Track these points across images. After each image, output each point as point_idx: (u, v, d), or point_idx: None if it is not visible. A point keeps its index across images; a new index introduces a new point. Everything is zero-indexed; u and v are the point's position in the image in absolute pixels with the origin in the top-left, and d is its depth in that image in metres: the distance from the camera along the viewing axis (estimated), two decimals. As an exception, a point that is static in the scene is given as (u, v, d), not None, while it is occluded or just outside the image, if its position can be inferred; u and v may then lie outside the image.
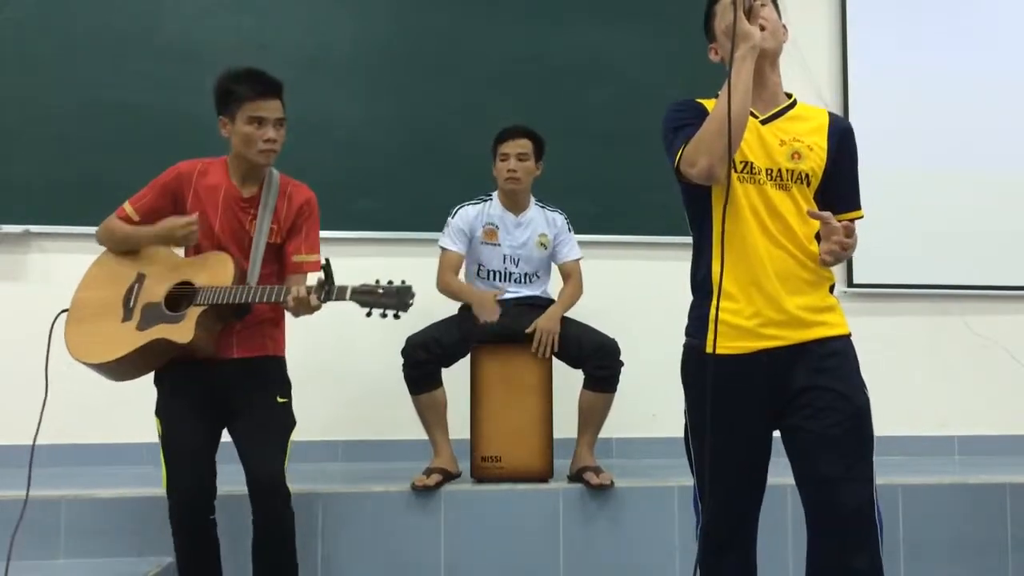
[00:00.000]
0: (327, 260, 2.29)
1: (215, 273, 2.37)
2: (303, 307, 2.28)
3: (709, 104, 1.87)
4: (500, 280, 3.24)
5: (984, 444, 4.10)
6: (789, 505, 2.74)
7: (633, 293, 3.92)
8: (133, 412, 3.55)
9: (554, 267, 3.36)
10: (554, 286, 3.34)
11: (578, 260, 3.31)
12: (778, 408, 1.82)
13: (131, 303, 2.40)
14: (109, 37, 3.78)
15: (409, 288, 2.26)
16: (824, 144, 1.88)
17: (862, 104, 4.21)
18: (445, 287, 3.19)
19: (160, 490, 2.82)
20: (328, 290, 2.25)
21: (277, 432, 2.40)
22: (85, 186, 3.71)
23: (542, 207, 3.31)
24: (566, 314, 3.18)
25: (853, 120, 4.15)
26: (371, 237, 3.85)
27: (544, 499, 2.95)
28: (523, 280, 3.25)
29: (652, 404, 3.79)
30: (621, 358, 3.06)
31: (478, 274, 3.26)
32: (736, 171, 1.80)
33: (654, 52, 4.05)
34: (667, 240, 3.94)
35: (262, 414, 2.40)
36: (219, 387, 2.40)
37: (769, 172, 1.83)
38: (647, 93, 4.03)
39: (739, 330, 1.81)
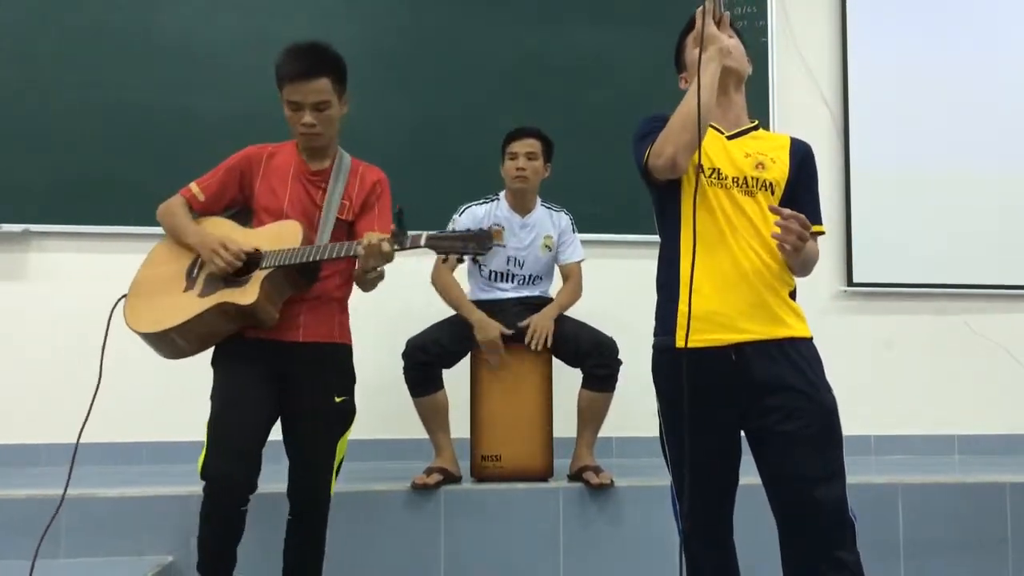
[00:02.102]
0: (399, 207, 2.20)
1: (282, 238, 2.29)
2: (376, 255, 2.16)
3: None
4: (502, 280, 3.23)
5: (984, 444, 4.10)
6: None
7: (632, 292, 3.90)
8: (134, 412, 3.56)
9: (556, 268, 3.36)
10: (555, 288, 3.33)
11: (579, 262, 3.30)
12: (745, 407, 1.86)
13: (194, 273, 2.32)
14: (109, 37, 3.78)
15: (489, 231, 2.21)
16: (786, 160, 1.97)
17: (862, 104, 4.22)
18: (442, 287, 3.13)
19: (159, 490, 2.85)
20: (402, 237, 2.16)
21: (326, 433, 2.34)
22: (85, 186, 3.72)
23: (548, 208, 3.30)
24: (565, 313, 3.18)
25: (853, 120, 4.26)
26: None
27: (544, 499, 2.95)
28: (525, 281, 3.25)
29: (652, 403, 3.78)
30: (620, 357, 3.06)
31: (480, 273, 3.25)
32: (705, 175, 1.89)
33: (654, 53, 4.01)
34: (667, 240, 3.95)
35: (314, 412, 2.33)
36: (281, 373, 2.31)
37: (736, 180, 1.91)
38: (647, 94, 4.00)
39: (709, 323, 1.86)
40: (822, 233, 2.01)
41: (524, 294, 3.23)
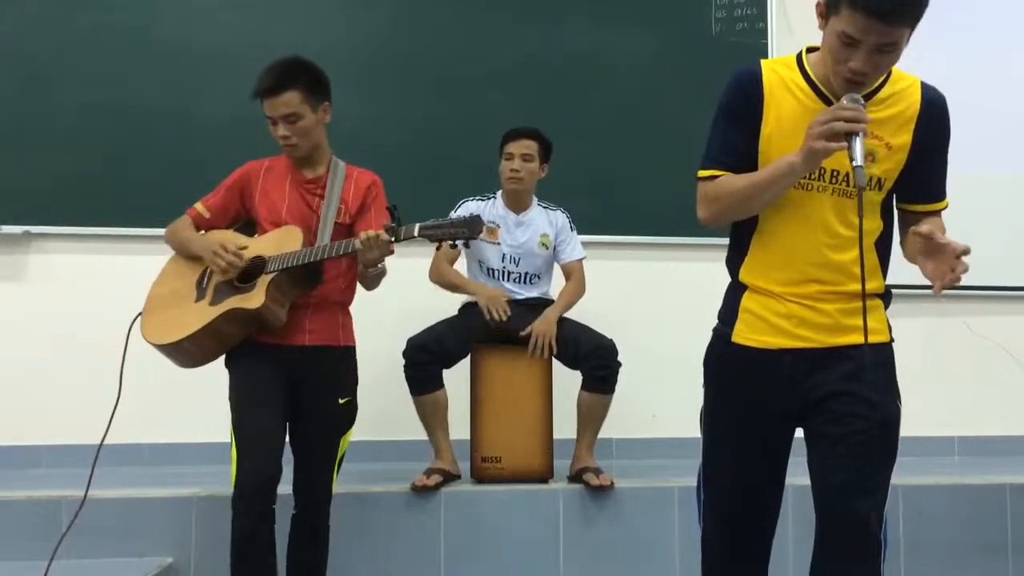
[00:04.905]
0: (393, 204, 2.35)
1: (284, 243, 2.37)
2: (374, 246, 2.25)
3: (779, 66, 1.74)
4: (500, 279, 3.24)
5: (984, 444, 4.09)
6: (789, 505, 2.72)
7: (632, 294, 3.93)
8: (135, 413, 3.55)
9: (556, 268, 3.36)
10: (555, 288, 3.33)
11: (580, 260, 3.31)
12: (799, 411, 1.75)
13: (204, 284, 2.41)
14: (109, 37, 3.78)
15: (479, 217, 2.30)
16: (908, 139, 1.72)
17: (862, 104, 4.20)
18: (439, 277, 3.18)
19: (160, 492, 2.85)
20: (397, 229, 2.28)
21: (332, 438, 2.44)
22: (85, 186, 3.71)
23: (544, 207, 3.31)
24: (565, 314, 3.18)
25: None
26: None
27: (544, 499, 2.95)
28: (523, 280, 3.25)
29: (652, 404, 3.80)
30: (620, 359, 3.06)
31: (480, 271, 3.26)
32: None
33: (654, 53, 4.05)
34: (666, 241, 3.95)
35: (320, 412, 2.42)
36: (291, 374, 2.39)
37: (834, 175, 1.69)
38: (647, 94, 4.03)
39: (768, 324, 1.75)
40: (944, 208, 1.82)
41: (524, 294, 3.23)
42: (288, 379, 2.39)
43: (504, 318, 3.03)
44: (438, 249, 2.37)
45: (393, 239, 2.27)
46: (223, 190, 2.51)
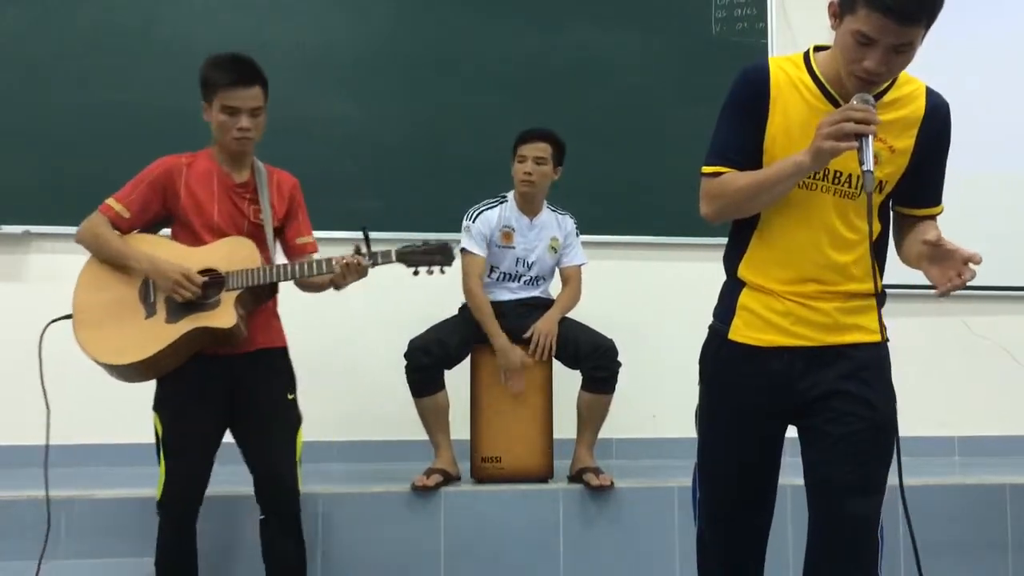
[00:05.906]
0: (365, 226, 2.34)
1: (240, 256, 2.32)
2: (354, 273, 2.28)
3: (787, 64, 1.73)
4: (509, 280, 3.23)
5: (984, 444, 4.09)
6: (789, 505, 2.74)
7: (632, 294, 3.93)
8: (132, 413, 3.55)
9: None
10: (555, 287, 3.33)
11: (580, 266, 3.30)
12: (795, 409, 1.75)
13: (151, 298, 2.32)
14: (109, 37, 3.78)
15: (448, 243, 2.37)
16: (911, 144, 1.72)
17: (862, 104, 4.20)
18: (473, 297, 3.12)
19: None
20: (373, 254, 2.28)
21: (285, 429, 2.41)
22: (85, 186, 3.68)
23: (553, 210, 3.30)
24: (564, 315, 3.18)
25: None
26: (371, 237, 3.84)
27: (544, 499, 2.95)
28: (532, 282, 3.25)
29: (652, 404, 3.80)
30: (620, 359, 3.06)
31: (489, 275, 3.23)
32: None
33: (654, 53, 4.05)
34: (666, 241, 3.96)
35: (270, 411, 2.39)
36: (227, 382, 2.36)
37: (837, 176, 1.68)
38: (647, 94, 4.03)
39: (766, 322, 1.74)
40: (939, 213, 1.82)
41: (525, 295, 3.23)
42: (223, 386, 2.36)
43: (520, 391, 3.04)
44: (415, 275, 2.35)
45: (371, 263, 2.29)
46: (143, 187, 2.39)
